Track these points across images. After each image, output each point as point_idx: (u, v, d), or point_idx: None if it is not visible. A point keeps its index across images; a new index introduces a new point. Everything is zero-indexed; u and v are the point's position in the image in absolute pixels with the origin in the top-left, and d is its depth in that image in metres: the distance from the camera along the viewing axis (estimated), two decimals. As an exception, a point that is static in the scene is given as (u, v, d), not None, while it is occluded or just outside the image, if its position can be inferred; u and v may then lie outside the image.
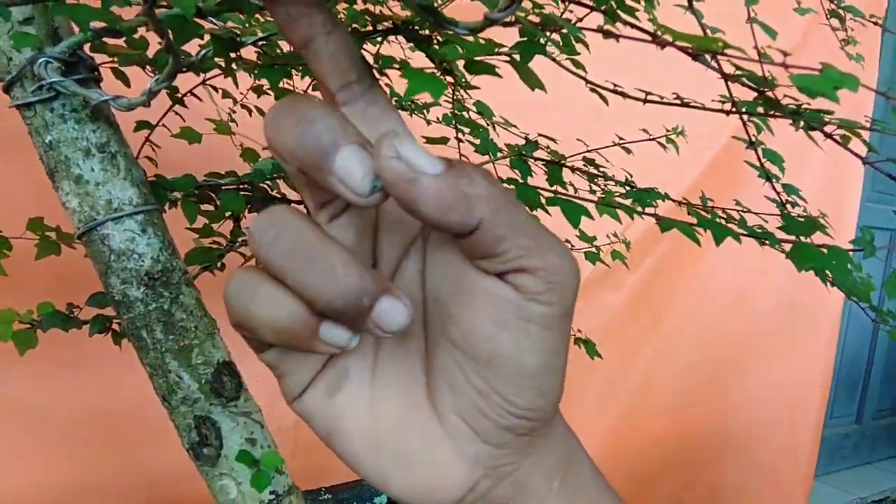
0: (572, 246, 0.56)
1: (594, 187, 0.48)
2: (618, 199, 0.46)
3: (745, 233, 0.42)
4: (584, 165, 0.50)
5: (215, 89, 0.50)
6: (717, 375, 1.52)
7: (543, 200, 0.35)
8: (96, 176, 0.34)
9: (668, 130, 0.51)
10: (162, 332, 0.34)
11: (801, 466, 1.69)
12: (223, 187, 0.41)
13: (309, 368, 0.22)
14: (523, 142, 0.51)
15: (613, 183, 0.50)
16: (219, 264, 0.48)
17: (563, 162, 0.48)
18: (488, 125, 0.52)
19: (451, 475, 0.23)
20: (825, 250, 0.36)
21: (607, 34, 0.28)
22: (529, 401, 0.21)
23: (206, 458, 0.35)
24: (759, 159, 0.44)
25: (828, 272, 0.38)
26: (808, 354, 1.68)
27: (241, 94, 0.56)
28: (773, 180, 0.47)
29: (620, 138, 0.51)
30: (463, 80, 0.44)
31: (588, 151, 0.50)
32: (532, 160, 0.50)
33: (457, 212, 0.18)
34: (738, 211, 0.44)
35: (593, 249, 0.56)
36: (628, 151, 0.51)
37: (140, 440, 0.74)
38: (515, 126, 0.52)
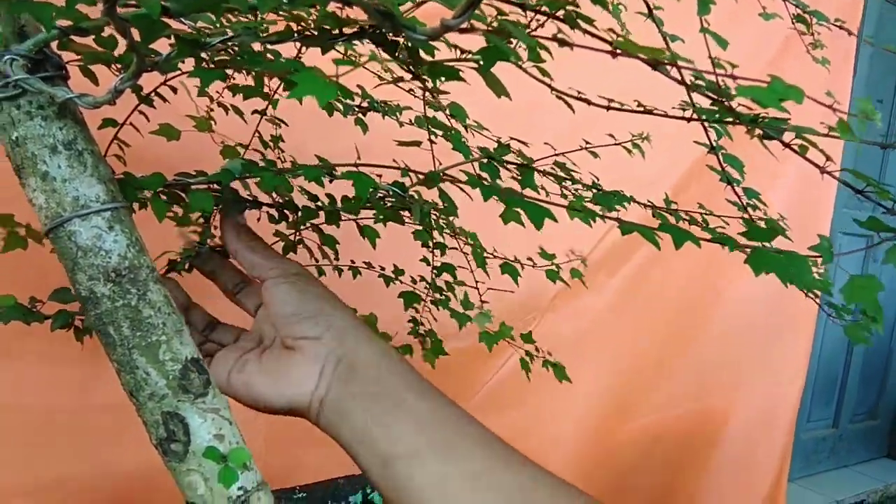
0: (534, 264, 0.57)
1: (564, 191, 0.49)
2: (587, 204, 0.47)
3: (708, 237, 0.43)
4: (553, 169, 0.51)
5: (174, 90, 0.50)
6: (695, 379, 1.53)
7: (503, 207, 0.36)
8: (63, 173, 0.34)
9: (633, 136, 0.52)
10: (129, 328, 0.34)
11: (777, 469, 1.71)
12: (193, 186, 0.41)
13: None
14: (495, 145, 0.51)
15: (582, 187, 0.50)
16: (186, 266, 0.48)
17: (533, 166, 0.49)
18: (462, 128, 0.53)
19: (307, 367, 0.41)
20: (781, 255, 0.37)
21: (562, 43, 0.29)
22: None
23: (174, 454, 0.35)
24: (720, 163, 0.45)
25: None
26: (786, 358, 1.71)
27: (217, 92, 0.57)
28: (735, 184, 0.48)
29: (587, 142, 0.52)
30: (433, 86, 0.45)
31: (557, 155, 0.51)
32: (503, 165, 0.51)
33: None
34: (701, 214, 0.45)
35: (553, 267, 0.57)
36: (595, 156, 0.52)
37: (115, 434, 0.73)
38: (488, 129, 0.53)
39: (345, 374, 0.41)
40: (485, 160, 0.48)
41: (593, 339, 1.28)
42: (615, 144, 0.52)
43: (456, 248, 0.56)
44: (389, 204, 0.48)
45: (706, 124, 0.42)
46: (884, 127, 2.27)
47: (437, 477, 0.38)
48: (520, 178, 0.50)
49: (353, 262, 0.60)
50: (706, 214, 0.45)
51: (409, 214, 0.48)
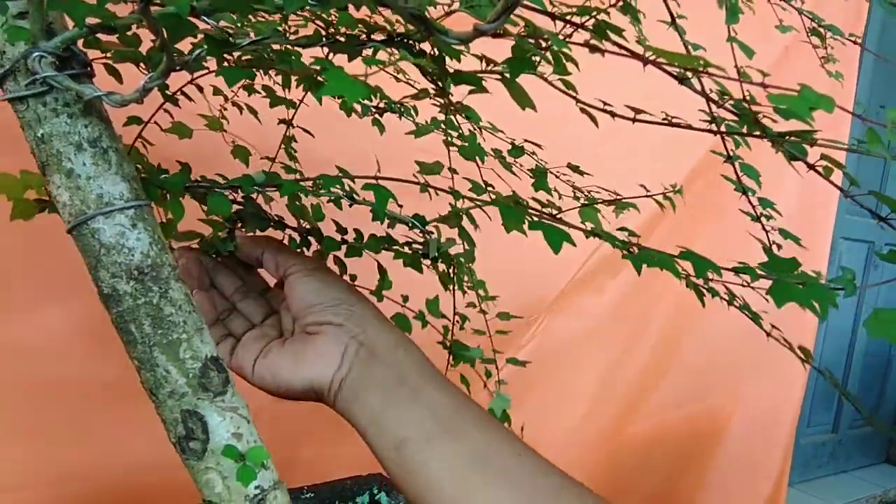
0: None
1: (577, 194, 0.49)
2: (599, 206, 0.47)
3: (727, 268, 0.42)
4: (567, 174, 0.51)
5: (200, 89, 0.50)
6: (695, 381, 1.54)
7: (526, 225, 0.36)
8: (88, 170, 0.34)
9: (665, 188, 0.52)
10: (150, 326, 0.34)
11: (778, 474, 1.71)
12: (214, 190, 0.42)
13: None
14: (509, 146, 0.52)
15: (596, 189, 0.51)
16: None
17: (548, 168, 0.49)
18: (476, 129, 0.53)
19: (330, 347, 0.43)
20: (803, 286, 0.37)
21: (593, 48, 0.29)
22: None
23: (193, 452, 0.35)
24: (736, 174, 0.45)
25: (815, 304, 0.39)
26: (785, 363, 1.71)
27: (233, 92, 0.57)
28: (750, 194, 0.48)
29: (575, 169, 0.52)
30: (453, 98, 0.45)
31: (571, 168, 0.51)
32: (518, 167, 0.51)
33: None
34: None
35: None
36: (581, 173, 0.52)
37: (128, 425, 0.74)
38: (502, 131, 0.53)
39: (366, 357, 0.42)
40: (511, 202, 0.47)
41: (595, 341, 1.29)
42: (646, 196, 0.52)
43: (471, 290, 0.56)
44: (410, 250, 0.48)
45: (723, 134, 0.42)
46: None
47: (449, 461, 0.39)
48: (533, 182, 0.51)
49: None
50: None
51: (428, 263, 0.49)
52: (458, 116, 0.53)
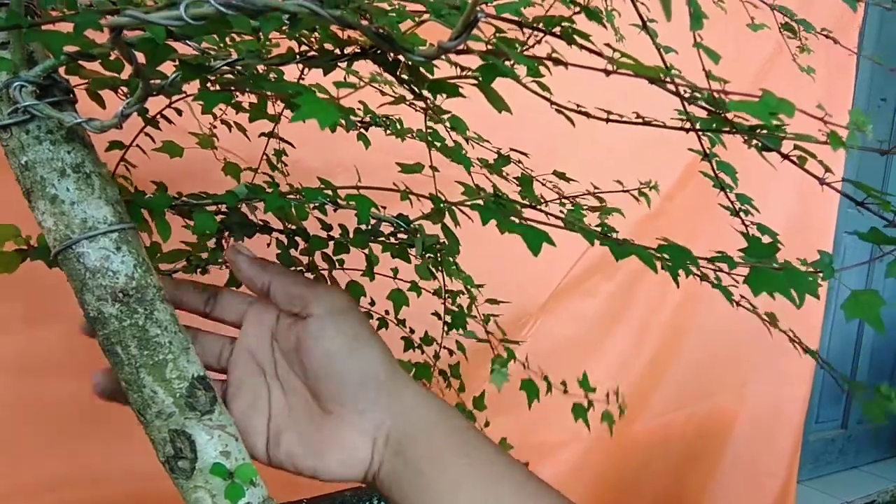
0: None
1: (563, 201, 0.49)
2: (585, 212, 0.47)
3: (704, 259, 0.43)
4: (552, 180, 0.51)
5: (179, 112, 0.51)
6: (701, 380, 1.53)
7: (499, 224, 0.36)
8: (71, 196, 0.34)
9: (641, 183, 0.53)
10: (136, 347, 0.35)
11: (787, 471, 1.70)
12: (199, 207, 0.42)
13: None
14: (495, 156, 0.52)
15: (583, 193, 0.51)
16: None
17: (533, 176, 0.50)
18: (462, 139, 0.53)
19: (356, 444, 0.37)
20: (781, 273, 0.37)
21: (557, 62, 0.30)
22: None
23: (182, 472, 0.36)
24: (713, 170, 0.45)
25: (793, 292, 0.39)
26: (793, 359, 1.70)
27: (220, 109, 0.58)
28: (728, 190, 0.48)
29: (560, 175, 0.52)
30: (434, 104, 0.46)
31: (559, 178, 0.51)
32: (504, 175, 0.52)
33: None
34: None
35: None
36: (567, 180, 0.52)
37: (121, 433, 0.74)
38: (488, 141, 0.54)
39: (397, 446, 0.37)
40: (492, 197, 0.48)
41: (592, 342, 1.28)
42: (622, 192, 0.53)
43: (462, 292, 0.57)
44: (396, 241, 0.48)
45: (698, 132, 0.42)
46: (887, 127, 2.27)
47: None
48: (520, 190, 0.51)
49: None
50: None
51: (416, 254, 0.49)
52: (444, 126, 0.53)
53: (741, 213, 0.44)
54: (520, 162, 0.52)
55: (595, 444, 1.31)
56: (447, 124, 0.52)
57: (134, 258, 0.35)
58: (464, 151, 0.54)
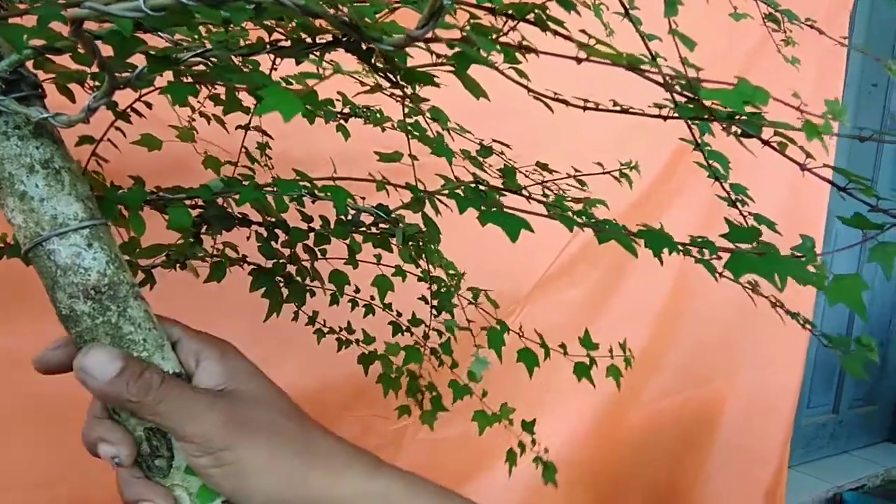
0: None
1: (546, 191, 0.49)
2: (569, 203, 0.47)
3: (686, 242, 0.43)
4: (536, 169, 0.51)
5: (149, 105, 0.50)
6: (692, 367, 1.54)
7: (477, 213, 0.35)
8: (41, 192, 0.34)
9: (622, 164, 0.52)
10: (110, 345, 0.34)
11: (779, 457, 1.71)
12: (174, 202, 0.41)
13: None
14: (478, 147, 0.52)
15: (566, 183, 0.51)
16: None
17: (516, 166, 0.49)
18: (444, 130, 0.53)
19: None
20: (762, 256, 0.37)
21: (528, 50, 0.29)
22: None
23: (158, 470, 0.35)
24: (705, 160, 0.45)
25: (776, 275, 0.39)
26: (785, 344, 1.70)
27: (199, 102, 0.57)
28: (722, 180, 0.48)
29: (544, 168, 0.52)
30: (413, 91, 0.45)
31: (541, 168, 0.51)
32: (487, 167, 0.51)
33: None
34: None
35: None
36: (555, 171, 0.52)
37: None
38: (470, 132, 0.53)
39: None
40: (472, 184, 0.48)
41: (579, 330, 1.28)
42: (604, 173, 0.52)
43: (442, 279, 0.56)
44: (377, 230, 0.48)
45: (689, 121, 0.42)
46: (878, 112, 2.27)
47: None
48: (503, 181, 0.50)
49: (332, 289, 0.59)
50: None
51: (396, 243, 0.48)
52: (425, 117, 0.53)
53: (738, 204, 0.44)
54: (502, 153, 0.52)
55: (587, 433, 1.32)
56: (427, 115, 0.51)
57: (106, 255, 0.35)
58: (445, 143, 0.53)
